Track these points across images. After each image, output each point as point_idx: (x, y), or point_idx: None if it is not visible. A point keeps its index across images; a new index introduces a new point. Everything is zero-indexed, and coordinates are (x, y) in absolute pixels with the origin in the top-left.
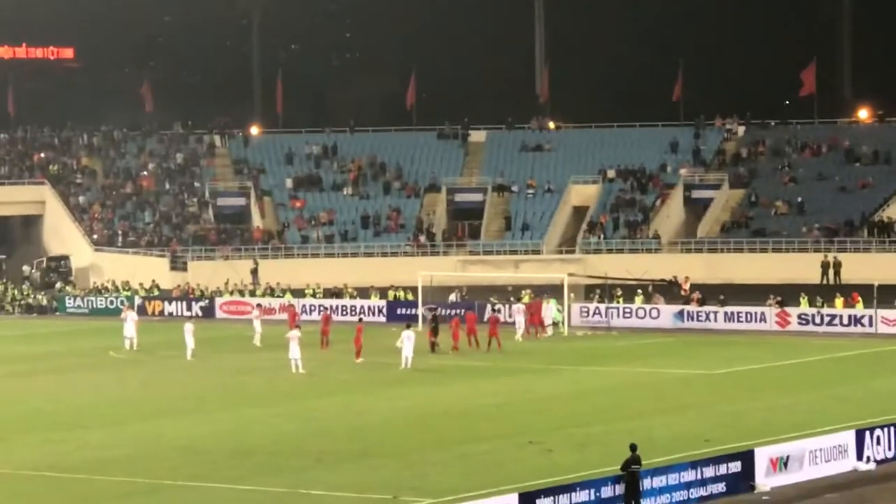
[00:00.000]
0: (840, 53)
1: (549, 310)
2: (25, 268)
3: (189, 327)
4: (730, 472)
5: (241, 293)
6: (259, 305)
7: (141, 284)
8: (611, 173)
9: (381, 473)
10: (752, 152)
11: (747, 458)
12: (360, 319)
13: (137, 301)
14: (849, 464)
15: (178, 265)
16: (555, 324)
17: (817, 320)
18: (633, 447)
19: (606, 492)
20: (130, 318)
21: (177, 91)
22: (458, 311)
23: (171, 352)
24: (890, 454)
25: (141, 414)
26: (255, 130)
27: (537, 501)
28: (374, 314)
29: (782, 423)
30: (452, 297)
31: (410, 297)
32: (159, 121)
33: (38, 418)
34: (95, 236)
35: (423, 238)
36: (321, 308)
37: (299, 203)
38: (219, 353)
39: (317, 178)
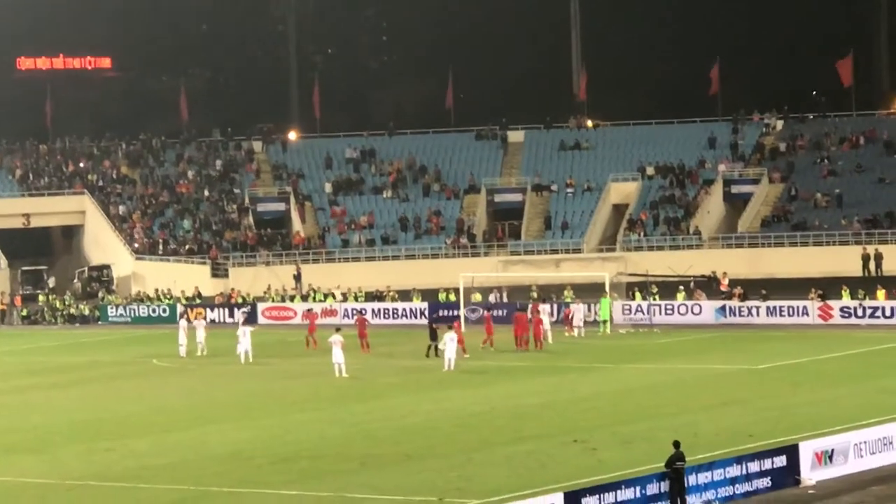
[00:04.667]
0: (877, 45)
1: (579, 311)
2: (51, 280)
3: (245, 330)
4: (775, 466)
5: (283, 299)
6: (184, 315)
7: (183, 292)
8: (650, 170)
9: (426, 476)
10: (790, 146)
11: (792, 452)
12: (457, 317)
13: (180, 309)
14: (894, 456)
15: (219, 272)
16: (603, 322)
17: (860, 313)
18: (676, 444)
19: (652, 489)
20: (200, 326)
21: (214, 98)
22: (501, 311)
23: (216, 358)
24: None
25: (186, 421)
26: (293, 135)
27: (583, 500)
28: (415, 316)
29: (827, 417)
30: (492, 298)
31: (453, 297)
32: (198, 128)
33: (83, 428)
34: (136, 245)
35: (463, 239)
36: (353, 311)
37: (339, 209)
38: (262, 358)
39: (356, 181)
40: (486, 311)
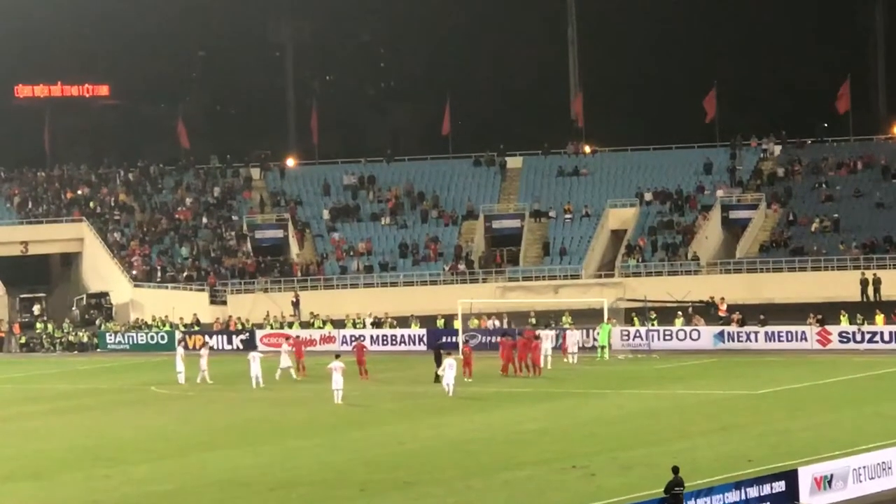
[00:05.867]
0: (874, 70)
1: (573, 337)
2: (36, 307)
3: (256, 355)
4: (774, 491)
5: (282, 325)
6: (182, 342)
7: (181, 319)
8: (648, 196)
9: (425, 502)
10: (788, 171)
11: (791, 477)
12: (467, 341)
13: (178, 336)
14: (893, 481)
15: (217, 299)
16: (602, 348)
17: (858, 338)
18: (675, 469)
19: None
20: (203, 354)
21: (212, 125)
22: (498, 336)
23: (214, 385)
24: None
25: (184, 448)
26: (291, 162)
27: None
28: (413, 343)
29: (826, 442)
30: (490, 325)
31: (457, 324)
32: (195, 155)
33: (82, 455)
34: (134, 272)
35: (461, 266)
36: (352, 338)
37: (337, 236)
38: (260, 384)
39: (354, 208)
40: (500, 338)
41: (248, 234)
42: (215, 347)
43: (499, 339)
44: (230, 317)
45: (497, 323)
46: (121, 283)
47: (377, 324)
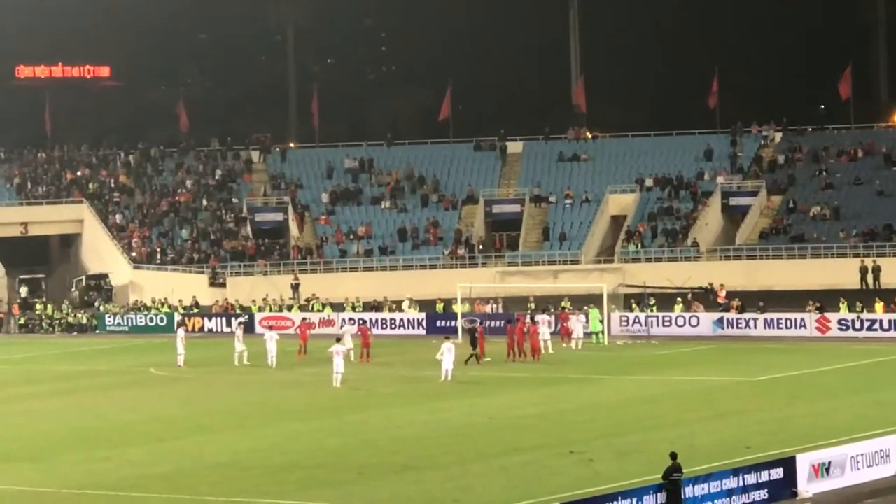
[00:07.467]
0: (875, 58)
1: (579, 321)
2: (23, 289)
3: (272, 335)
4: (772, 478)
5: (281, 308)
6: (182, 324)
7: (180, 301)
8: (648, 182)
9: (423, 486)
10: (789, 158)
11: (789, 464)
12: (480, 323)
13: (177, 318)
14: (891, 469)
15: (217, 281)
16: (595, 334)
17: (857, 325)
18: (673, 455)
19: (648, 501)
20: (237, 336)
21: (213, 107)
22: (498, 322)
23: (213, 368)
24: None
25: (182, 430)
26: (291, 145)
27: None
28: (413, 327)
29: (824, 429)
30: (488, 309)
31: (456, 308)
32: (196, 137)
33: (81, 436)
34: (134, 254)
35: (461, 250)
36: (359, 321)
37: (325, 220)
38: (259, 368)
39: (355, 191)
40: (507, 323)
41: (248, 216)
42: (214, 330)
43: (506, 324)
44: (226, 300)
45: (494, 307)
46: (120, 264)
47: (376, 307)
